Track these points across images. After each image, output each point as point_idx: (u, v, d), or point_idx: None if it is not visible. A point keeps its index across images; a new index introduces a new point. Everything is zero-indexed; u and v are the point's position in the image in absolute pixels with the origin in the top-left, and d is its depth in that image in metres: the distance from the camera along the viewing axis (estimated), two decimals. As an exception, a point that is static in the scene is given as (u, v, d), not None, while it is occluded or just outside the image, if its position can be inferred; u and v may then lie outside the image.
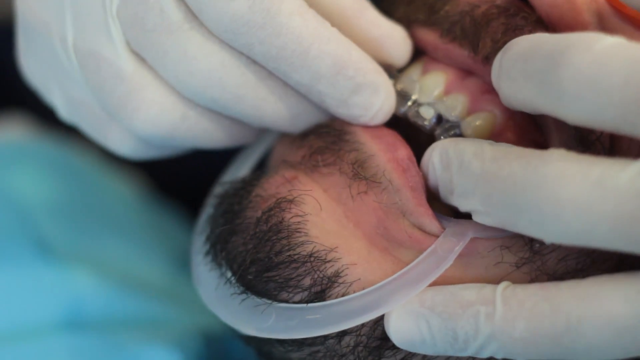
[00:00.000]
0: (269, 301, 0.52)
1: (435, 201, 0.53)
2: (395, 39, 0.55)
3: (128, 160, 0.84)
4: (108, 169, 0.83)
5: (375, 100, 0.54)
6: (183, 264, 0.76)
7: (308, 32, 0.52)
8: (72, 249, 0.73)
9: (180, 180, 0.86)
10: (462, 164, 0.49)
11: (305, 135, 0.56)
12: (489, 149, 0.49)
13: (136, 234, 0.78)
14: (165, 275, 0.76)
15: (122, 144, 0.58)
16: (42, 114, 0.85)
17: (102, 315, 0.70)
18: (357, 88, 0.53)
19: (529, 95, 0.47)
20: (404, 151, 0.53)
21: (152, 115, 0.54)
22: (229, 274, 0.53)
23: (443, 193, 0.51)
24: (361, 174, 0.52)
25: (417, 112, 0.55)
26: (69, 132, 0.84)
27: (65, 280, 0.70)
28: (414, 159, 0.53)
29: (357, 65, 0.53)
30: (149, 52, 0.53)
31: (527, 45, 0.48)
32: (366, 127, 0.54)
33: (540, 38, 0.47)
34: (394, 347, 0.51)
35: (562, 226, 0.45)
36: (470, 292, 0.49)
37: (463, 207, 0.50)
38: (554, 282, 0.47)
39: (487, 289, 0.48)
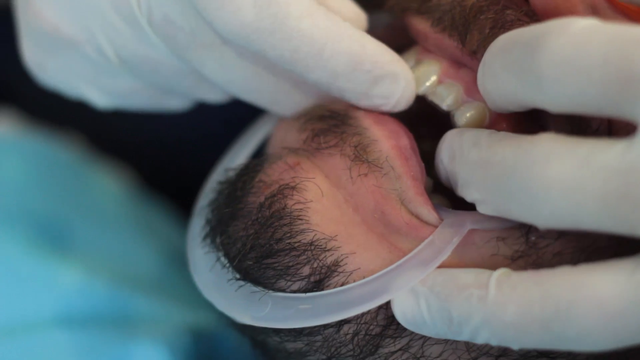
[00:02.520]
0: (266, 290, 0.52)
1: (436, 194, 0.54)
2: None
3: (117, 154, 0.84)
4: (96, 164, 0.83)
5: (395, 88, 0.53)
6: (172, 260, 0.76)
7: (319, 33, 0.52)
8: (59, 245, 0.73)
9: (168, 175, 0.86)
10: (463, 154, 0.49)
11: (307, 119, 0.56)
12: (486, 137, 0.48)
13: (125, 230, 0.78)
14: (154, 271, 0.76)
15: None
16: (30, 109, 0.85)
17: (90, 312, 0.69)
18: (376, 80, 0.53)
19: (511, 88, 0.47)
20: (406, 140, 0.53)
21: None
22: (226, 260, 0.53)
23: (452, 185, 0.51)
24: (363, 156, 0.52)
25: (436, 92, 0.55)
26: (57, 127, 0.84)
27: (53, 276, 0.69)
28: (416, 149, 0.53)
29: (373, 59, 0.53)
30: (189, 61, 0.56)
31: (507, 37, 0.47)
32: (370, 112, 0.54)
33: (518, 31, 0.47)
34: (393, 335, 0.51)
35: (551, 207, 0.44)
36: (468, 275, 0.48)
37: (468, 197, 0.50)
38: (549, 268, 0.46)
39: (485, 273, 0.48)
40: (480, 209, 0.49)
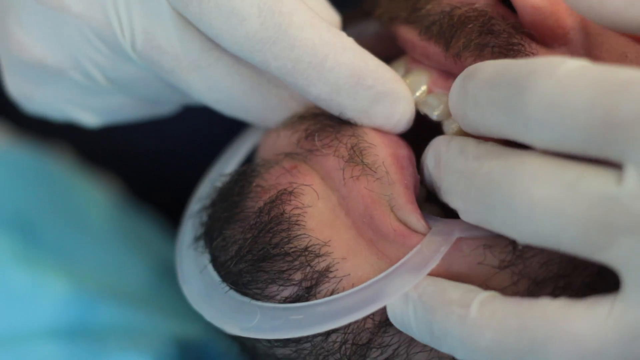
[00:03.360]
0: (253, 299, 0.52)
1: (427, 203, 0.54)
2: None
3: (105, 165, 0.84)
4: (85, 175, 0.83)
5: (396, 108, 0.53)
6: (160, 271, 0.76)
7: (322, 43, 0.52)
8: (47, 256, 0.72)
9: (157, 186, 0.85)
10: (448, 161, 0.49)
11: (298, 118, 0.56)
12: (473, 146, 0.48)
13: (113, 240, 0.78)
14: (142, 282, 0.76)
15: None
16: (17, 121, 0.85)
17: (77, 324, 0.69)
18: (378, 97, 0.53)
19: (496, 122, 0.47)
20: (405, 151, 0.53)
21: None
22: (220, 262, 0.53)
23: (436, 190, 0.51)
24: (358, 158, 0.52)
25: (426, 102, 0.55)
26: (45, 139, 0.83)
27: (40, 288, 0.69)
28: (413, 162, 0.53)
29: (375, 75, 0.53)
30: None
31: (493, 71, 0.47)
32: None
33: (505, 64, 0.47)
34: (380, 345, 0.51)
35: (533, 226, 0.44)
36: (456, 291, 0.48)
37: (451, 204, 0.50)
38: (531, 298, 0.46)
39: (473, 293, 0.48)
40: (463, 217, 0.49)
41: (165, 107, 0.63)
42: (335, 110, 0.54)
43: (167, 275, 0.73)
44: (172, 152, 0.87)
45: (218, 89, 0.56)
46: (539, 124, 0.44)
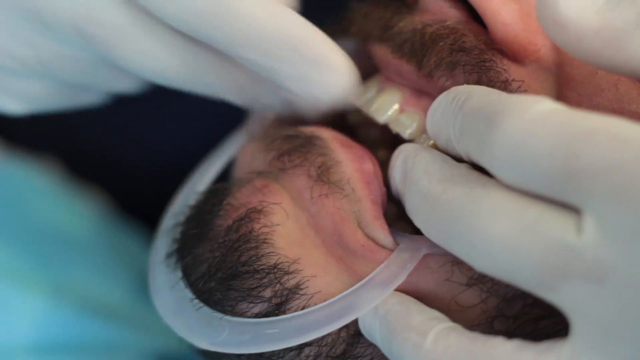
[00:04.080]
0: (223, 315, 0.52)
1: (399, 219, 0.54)
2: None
3: (92, 179, 0.84)
4: (70, 189, 0.83)
5: (335, 78, 0.54)
6: (143, 284, 0.76)
7: (262, 12, 0.52)
8: (28, 271, 0.72)
9: (142, 200, 0.86)
10: (413, 180, 0.50)
11: (273, 139, 0.56)
12: (439, 169, 0.48)
13: (95, 255, 0.77)
14: (125, 296, 0.76)
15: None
16: (4, 134, 0.85)
17: (58, 339, 0.69)
18: (317, 66, 0.53)
19: (469, 150, 0.47)
20: (370, 165, 0.53)
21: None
22: (190, 281, 0.54)
23: (403, 204, 0.52)
24: (325, 177, 0.53)
25: (398, 120, 0.55)
26: (31, 152, 0.84)
27: (21, 304, 0.69)
28: (380, 175, 0.53)
29: (314, 43, 0.53)
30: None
31: (477, 101, 0.47)
32: (336, 135, 0.55)
33: (487, 96, 0.47)
34: (355, 356, 0.52)
35: (489, 261, 0.45)
36: (418, 317, 0.48)
37: (414, 222, 0.50)
38: (487, 336, 0.46)
39: (434, 321, 0.48)
40: (426, 235, 0.49)
41: (93, 95, 0.63)
42: (276, 79, 0.54)
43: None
44: (160, 166, 0.87)
45: (157, 60, 0.55)
46: (503, 163, 0.44)
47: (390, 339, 0.48)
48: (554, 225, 0.43)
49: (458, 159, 0.49)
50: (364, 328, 0.51)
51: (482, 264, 0.45)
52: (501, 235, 0.44)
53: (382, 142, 0.59)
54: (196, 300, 0.53)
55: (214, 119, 0.75)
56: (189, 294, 0.53)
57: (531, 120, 0.44)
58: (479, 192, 0.45)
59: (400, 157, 0.52)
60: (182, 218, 0.56)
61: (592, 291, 0.42)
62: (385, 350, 0.49)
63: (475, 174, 0.47)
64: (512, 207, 0.44)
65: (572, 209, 0.43)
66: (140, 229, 0.84)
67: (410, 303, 0.50)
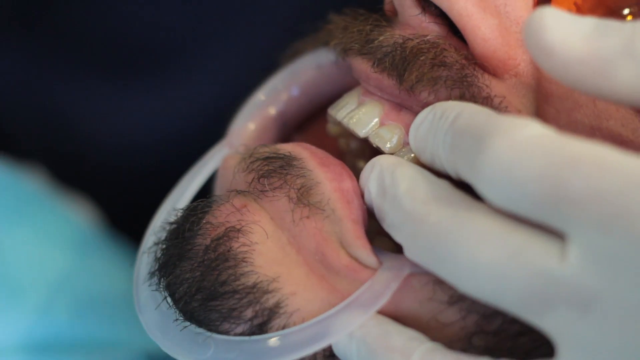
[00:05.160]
0: (209, 332, 0.52)
1: (381, 236, 0.53)
2: None
3: (80, 188, 0.84)
4: (58, 195, 0.83)
5: None
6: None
7: None
8: (18, 270, 0.73)
9: (131, 211, 0.85)
10: (395, 197, 0.49)
11: (253, 160, 0.55)
12: (422, 188, 0.48)
13: (90, 253, 0.78)
14: (118, 293, 0.76)
15: None
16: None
17: (50, 339, 0.69)
18: None
19: (456, 168, 0.47)
20: (349, 183, 0.53)
21: None
22: (172, 301, 0.53)
23: (378, 219, 0.51)
24: (305, 199, 0.52)
25: (378, 134, 0.55)
26: (20, 159, 0.84)
27: (14, 302, 0.69)
28: (358, 192, 0.53)
29: None
30: None
31: (465, 120, 0.47)
32: (315, 154, 0.54)
33: (475, 115, 0.47)
34: None
35: (474, 285, 0.45)
36: (399, 338, 0.49)
37: (394, 237, 0.50)
38: (472, 356, 0.47)
39: (416, 342, 0.48)
40: (407, 253, 0.49)
41: None
42: None
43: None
44: (149, 177, 0.87)
45: None
46: (491, 184, 0.44)
47: None
48: (538, 253, 0.43)
49: (440, 174, 0.49)
50: (338, 353, 0.51)
51: (467, 287, 0.45)
52: (486, 261, 0.44)
53: (362, 153, 0.59)
54: (180, 319, 0.53)
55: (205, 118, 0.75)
56: (172, 313, 0.53)
57: (520, 143, 0.44)
58: (464, 215, 0.46)
59: (375, 170, 0.51)
60: (162, 235, 0.56)
61: (576, 318, 0.43)
62: None
63: (460, 195, 0.47)
64: (498, 232, 0.44)
65: (557, 234, 0.44)
66: (126, 238, 0.84)
67: (388, 324, 0.50)
